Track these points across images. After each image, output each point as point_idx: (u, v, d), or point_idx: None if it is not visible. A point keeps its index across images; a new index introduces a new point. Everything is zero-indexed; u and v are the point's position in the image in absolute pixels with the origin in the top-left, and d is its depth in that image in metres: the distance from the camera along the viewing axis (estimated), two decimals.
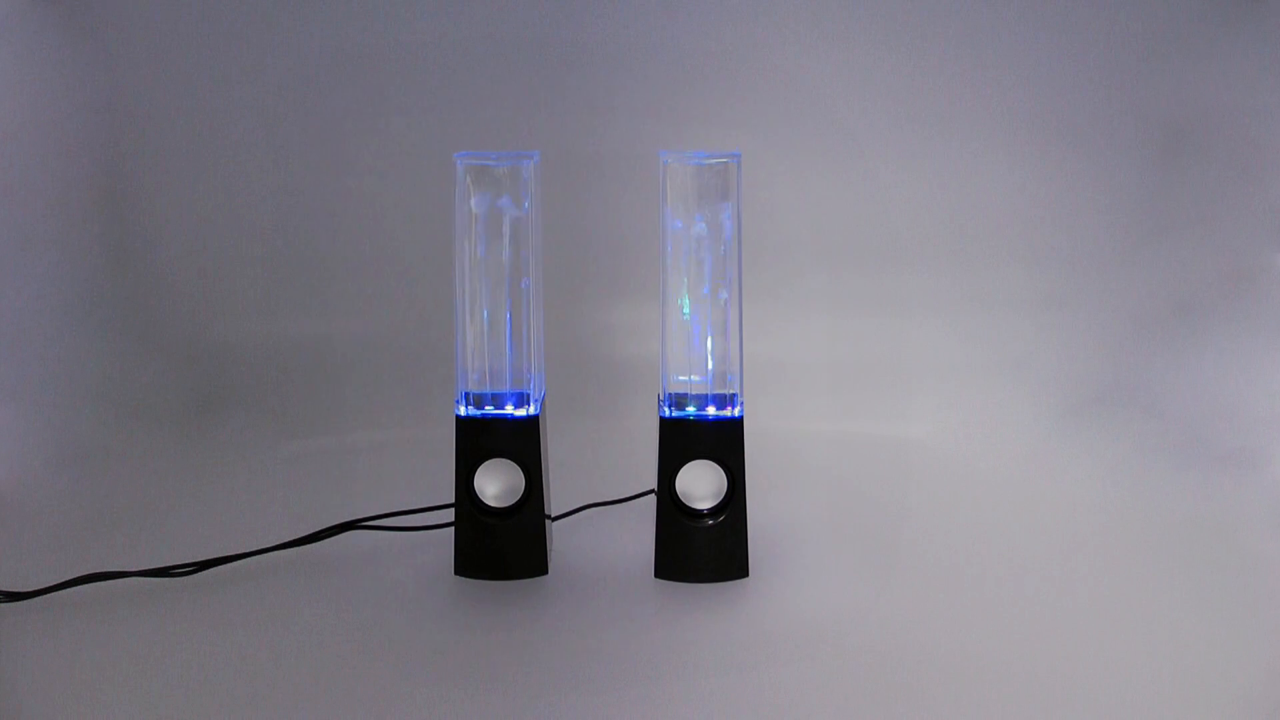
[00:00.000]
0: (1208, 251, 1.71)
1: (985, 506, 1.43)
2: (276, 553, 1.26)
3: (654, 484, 1.22)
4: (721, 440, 1.19)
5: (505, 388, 1.21)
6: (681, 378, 1.21)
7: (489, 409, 1.20)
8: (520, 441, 1.20)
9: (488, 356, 1.21)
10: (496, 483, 1.21)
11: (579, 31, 1.79)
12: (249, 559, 1.24)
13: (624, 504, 1.40)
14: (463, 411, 1.20)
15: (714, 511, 1.21)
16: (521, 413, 1.20)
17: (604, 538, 1.33)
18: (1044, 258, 1.79)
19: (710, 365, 1.20)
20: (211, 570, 1.23)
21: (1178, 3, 1.72)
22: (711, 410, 1.20)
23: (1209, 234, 1.71)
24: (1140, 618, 1.14)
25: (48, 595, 1.15)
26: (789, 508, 1.41)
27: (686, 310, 1.20)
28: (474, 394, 1.21)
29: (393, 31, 1.79)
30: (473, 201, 1.18)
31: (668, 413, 1.20)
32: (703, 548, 1.21)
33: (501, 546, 1.21)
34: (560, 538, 1.32)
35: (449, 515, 1.26)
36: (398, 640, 1.10)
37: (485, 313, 1.21)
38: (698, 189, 1.18)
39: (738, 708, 0.99)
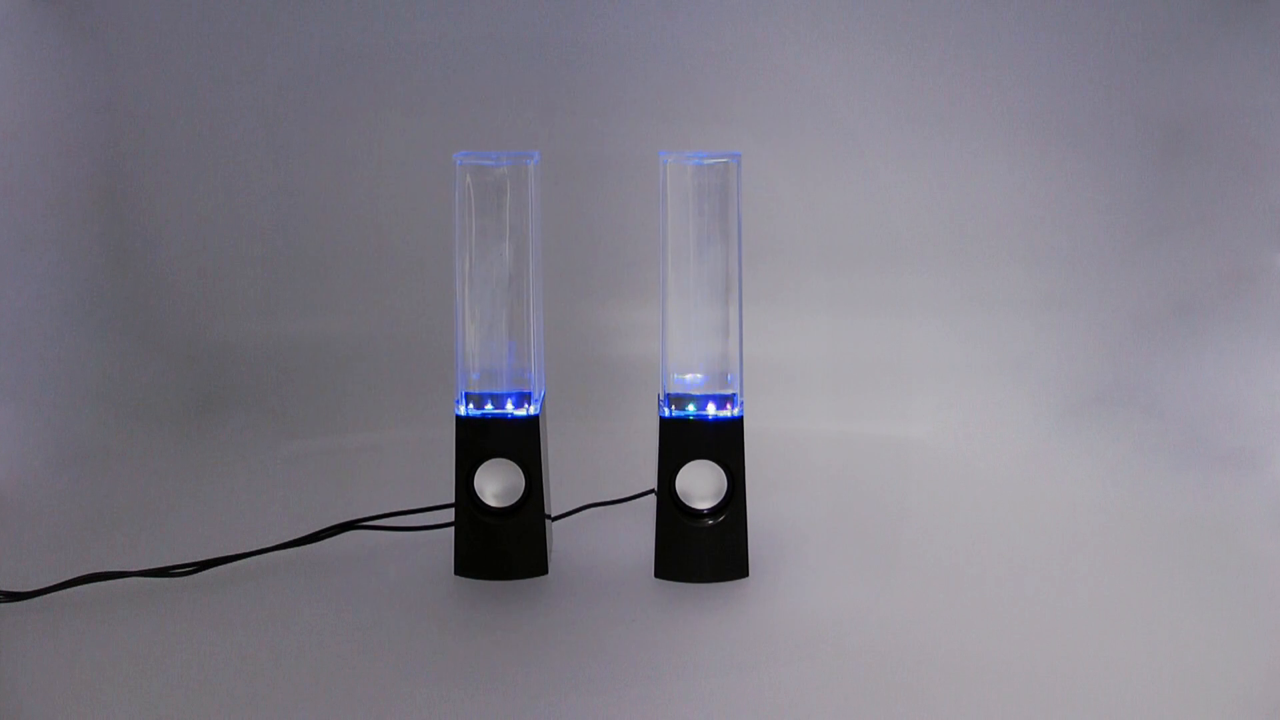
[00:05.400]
0: (1208, 251, 1.71)
1: (985, 506, 1.43)
2: (276, 553, 1.26)
3: (654, 484, 1.22)
4: (721, 440, 1.19)
5: (505, 388, 1.21)
6: (681, 378, 1.21)
7: (489, 409, 1.20)
8: (520, 441, 1.20)
9: (488, 356, 1.21)
10: (496, 483, 1.21)
11: (579, 31, 1.79)
12: (249, 559, 1.24)
13: (624, 504, 1.40)
14: (463, 411, 1.20)
15: (714, 511, 1.21)
16: (521, 413, 1.20)
17: (604, 538, 1.32)
18: (1044, 258, 1.79)
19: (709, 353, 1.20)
20: (211, 570, 1.23)
21: (1178, 3, 1.72)
22: (711, 410, 1.20)
23: (1209, 234, 1.71)
24: (1140, 618, 1.14)
25: (48, 595, 1.15)
26: (789, 508, 1.41)
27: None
28: (474, 394, 1.21)
29: (393, 31, 1.79)
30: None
31: (668, 413, 1.20)
32: (703, 548, 1.21)
33: (501, 546, 1.21)
34: (560, 538, 1.32)
35: (449, 515, 1.26)
36: (398, 640, 1.10)
37: (485, 313, 1.20)
38: (697, 188, 1.18)
39: (738, 708, 0.99)
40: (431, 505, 1.35)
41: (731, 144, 1.30)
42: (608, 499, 1.41)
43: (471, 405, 1.21)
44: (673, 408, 1.20)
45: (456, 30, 1.79)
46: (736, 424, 1.19)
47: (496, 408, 1.20)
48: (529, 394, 1.21)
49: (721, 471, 1.20)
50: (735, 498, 1.20)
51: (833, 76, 1.79)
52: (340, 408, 1.73)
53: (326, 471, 1.56)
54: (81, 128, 1.74)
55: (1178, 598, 1.18)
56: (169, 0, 1.75)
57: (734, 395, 1.20)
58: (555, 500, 1.35)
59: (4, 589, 1.17)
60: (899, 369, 1.77)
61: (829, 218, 1.81)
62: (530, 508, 1.21)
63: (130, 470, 1.53)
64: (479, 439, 1.20)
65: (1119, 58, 1.76)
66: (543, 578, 1.22)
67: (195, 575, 1.22)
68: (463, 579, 1.22)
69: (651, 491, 1.28)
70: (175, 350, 1.76)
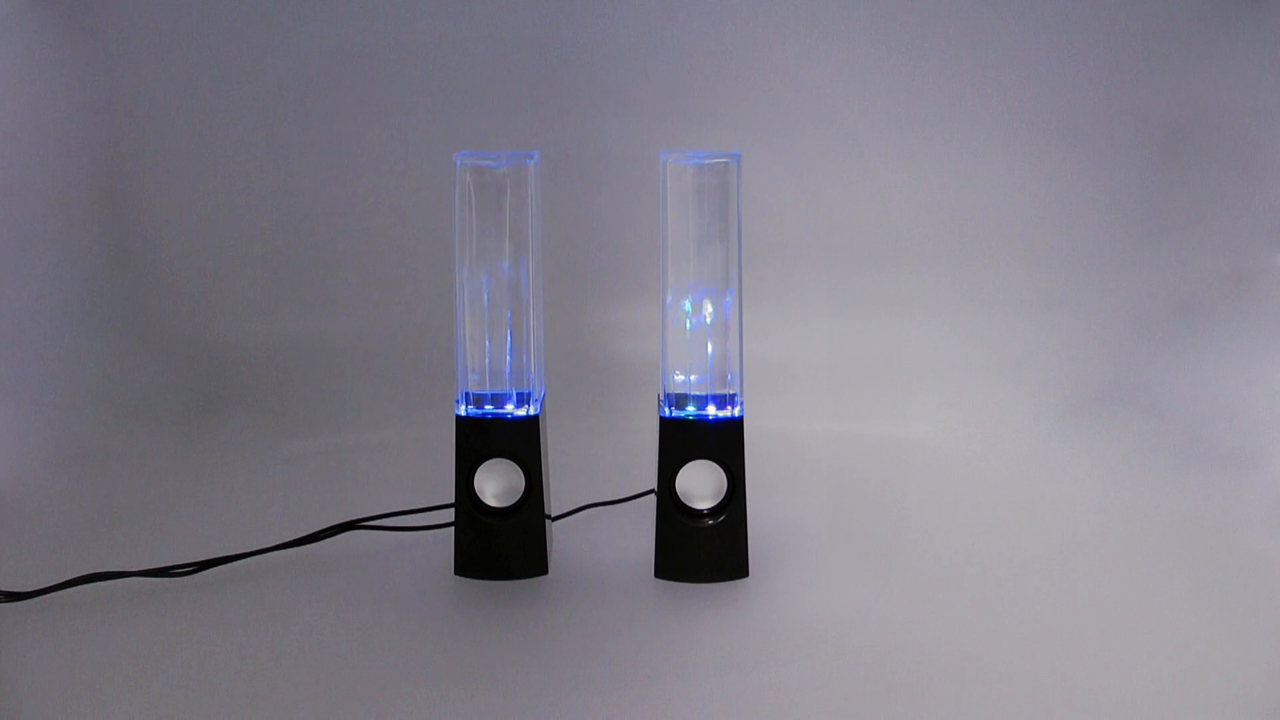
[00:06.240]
0: (1208, 251, 1.71)
1: (985, 506, 1.43)
2: (276, 553, 1.26)
3: (654, 484, 1.22)
4: (721, 440, 1.19)
5: (505, 388, 1.21)
6: (681, 378, 1.21)
7: (489, 409, 1.20)
8: (520, 441, 1.20)
9: (488, 356, 1.21)
10: (496, 483, 1.21)
11: (579, 31, 1.79)
12: (249, 559, 1.24)
13: (624, 504, 1.40)
14: (463, 411, 1.20)
15: (714, 511, 1.21)
16: (521, 413, 1.20)
17: (604, 538, 1.32)
18: (1044, 258, 1.79)
19: (710, 352, 1.20)
20: (211, 570, 1.23)
21: (1178, 3, 1.72)
22: (711, 410, 1.20)
23: (1209, 234, 1.71)
24: (1140, 618, 1.14)
25: (48, 595, 1.15)
26: (789, 508, 1.41)
27: (689, 308, 1.20)
28: (474, 394, 1.21)
29: (393, 31, 1.79)
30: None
31: (668, 413, 1.20)
32: (703, 548, 1.21)
33: (501, 546, 1.21)
34: (560, 538, 1.32)
35: (449, 515, 1.26)
36: (398, 640, 1.10)
37: (485, 313, 1.20)
38: (697, 188, 1.18)
39: (738, 708, 0.99)
40: (431, 505, 1.35)
41: (731, 144, 1.30)
42: (608, 499, 1.41)
43: (471, 405, 1.21)
44: (673, 408, 1.20)
45: (456, 30, 1.79)
46: (736, 424, 1.19)
47: (496, 408, 1.21)
48: (529, 394, 1.21)
49: (721, 471, 1.20)
50: (735, 498, 1.20)
51: (833, 76, 1.79)
52: (340, 408, 1.73)
53: (326, 471, 1.56)
54: (81, 128, 1.74)
55: (1178, 598, 1.18)
56: (169, 0, 1.75)
57: (734, 395, 1.20)
58: (555, 500, 1.35)
59: (4, 589, 1.17)
60: (899, 369, 1.77)
61: (829, 218, 1.81)
62: (530, 508, 1.21)
63: (130, 470, 1.53)
64: (479, 439, 1.20)
65: (1119, 58, 1.76)
66: (543, 578, 1.22)
67: (195, 575, 1.22)
68: (463, 579, 1.22)
69: (651, 491, 1.28)
70: (175, 350, 1.76)
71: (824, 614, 1.15)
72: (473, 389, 1.21)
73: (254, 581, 1.21)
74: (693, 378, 1.21)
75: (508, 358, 1.21)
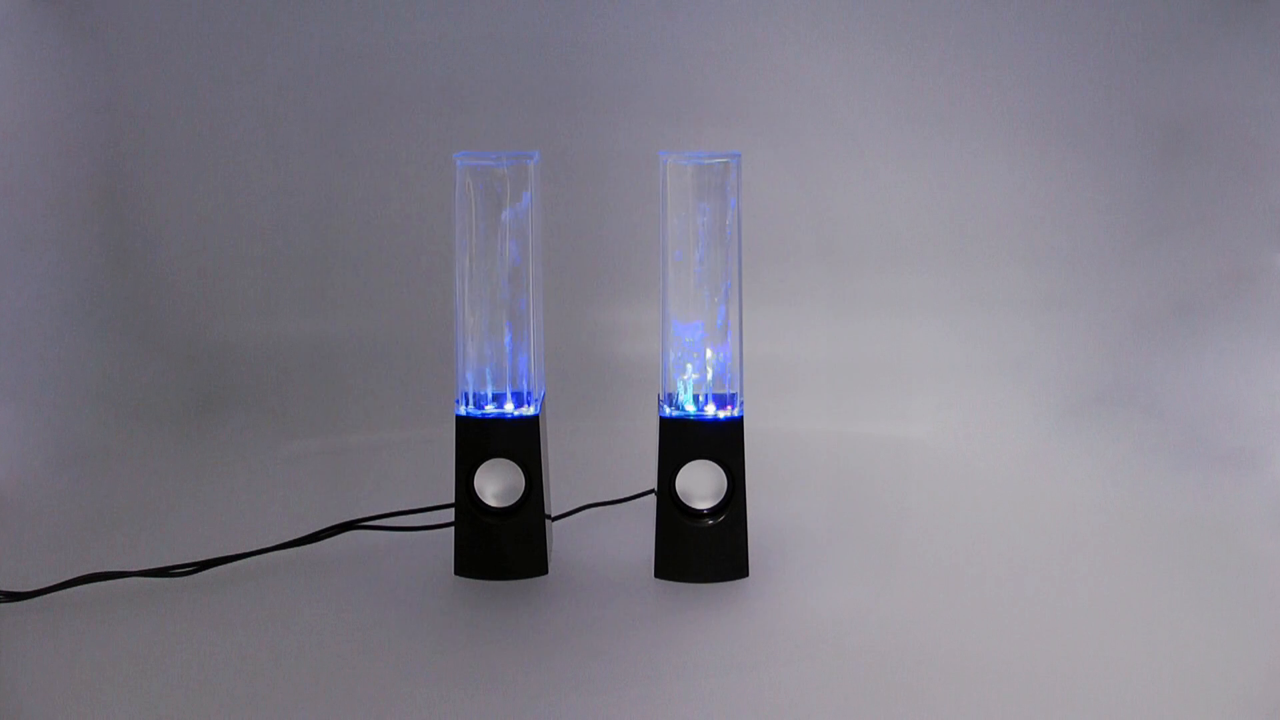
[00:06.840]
0: (1208, 251, 1.71)
1: (985, 506, 1.43)
2: (276, 553, 1.26)
3: (654, 484, 1.22)
4: (721, 440, 1.19)
5: (505, 388, 1.21)
6: (682, 378, 1.21)
7: (489, 409, 1.20)
8: (520, 441, 1.20)
9: (488, 356, 1.21)
10: (496, 483, 1.21)
11: (579, 31, 1.79)
12: (249, 559, 1.24)
13: (624, 504, 1.40)
14: (463, 411, 1.20)
15: (714, 511, 1.21)
16: (521, 413, 1.20)
17: (604, 538, 1.33)
18: (1044, 258, 1.79)
19: (709, 361, 1.20)
20: (211, 570, 1.23)
21: (1178, 3, 1.72)
22: (711, 410, 1.20)
23: (1209, 234, 1.71)
24: (1140, 618, 1.14)
25: (48, 595, 1.15)
26: (789, 508, 1.41)
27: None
28: (474, 394, 1.21)
29: (393, 31, 1.79)
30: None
31: (668, 413, 1.20)
32: (703, 548, 1.21)
33: (501, 546, 1.21)
34: (560, 538, 1.32)
35: (449, 515, 1.26)
36: (398, 640, 1.10)
37: (485, 313, 1.21)
38: (697, 188, 1.18)
39: (738, 708, 0.99)
40: (431, 505, 1.35)
41: (731, 144, 1.30)
42: (608, 499, 1.41)
43: (471, 405, 1.21)
44: (673, 408, 1.20)
45: (456, 30, 1.79)
46: (736, 424, 1.19)
47: (497, 408, 1.21)
48: (529, 394, 1.21)
49: (721, 471, 1.20)
50: (735, 498, 1.20)
51: (833, 76, 1.79)
52: (340, 408, 1.73)
53: (326, 471, 1.56)
54: (81, 128, 1.74)
55: (1178, 598, 1.18)
56: (169, 0, 1.75)
57: (734, 395, 1.20)
58: (555, 500, 1.35)
59: (4, 589, 1.17)
60: (899, 369, 1.77)
61: (829, 218, 1.81)
62: (530, 508, 1.21)
63: (130, 470, 1.53)
64: (479, 439, 1.20)
65: (1119, 58, 1.76)
66: (543, 578, 1.22)
67: (195, 575, 1.22)
68: (463, 579, 1.22)
69: (651, 491, 1.28)
70: (175, 350, 1.76)
71: (824, 614, 1.15)
72: (473, 389, 1.21)
73: (254, 581, 1.21)
74: (693, 377, 1.21)
75: (508, 358, 1.21)
